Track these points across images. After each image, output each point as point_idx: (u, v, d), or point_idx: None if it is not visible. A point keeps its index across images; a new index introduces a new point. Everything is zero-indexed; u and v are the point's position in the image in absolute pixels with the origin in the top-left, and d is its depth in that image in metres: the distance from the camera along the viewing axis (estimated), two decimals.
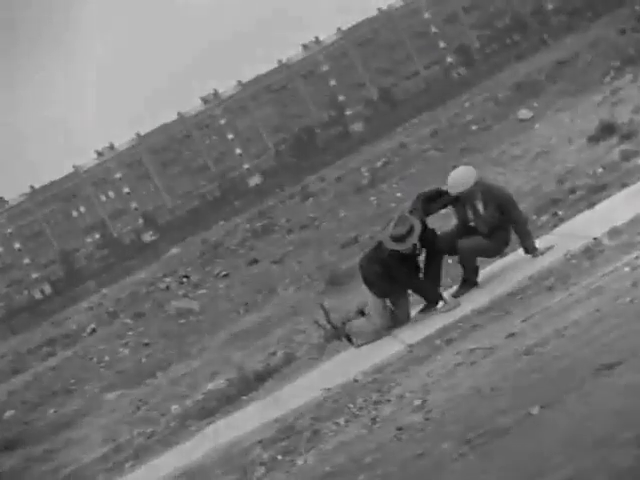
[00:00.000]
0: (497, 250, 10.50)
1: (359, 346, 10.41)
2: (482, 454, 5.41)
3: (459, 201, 10.43)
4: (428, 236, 10.28)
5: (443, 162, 27.56)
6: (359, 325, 10.62)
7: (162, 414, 13.30)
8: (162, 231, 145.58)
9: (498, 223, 10.27)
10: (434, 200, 10.48)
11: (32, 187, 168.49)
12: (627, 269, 7.88)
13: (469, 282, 10.34)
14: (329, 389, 9.15)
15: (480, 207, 10.35)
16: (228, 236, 40.79)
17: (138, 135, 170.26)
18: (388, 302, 10.44)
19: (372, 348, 10.02)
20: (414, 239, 10.08)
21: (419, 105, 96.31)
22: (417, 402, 7.38)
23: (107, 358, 23.59)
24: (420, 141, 40.56)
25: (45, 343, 37.62)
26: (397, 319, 10.34)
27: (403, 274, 10.13)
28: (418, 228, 10.08)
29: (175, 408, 13.19)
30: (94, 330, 32.44)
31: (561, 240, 10.17)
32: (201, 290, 27.31)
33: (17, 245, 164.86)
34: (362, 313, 10.90)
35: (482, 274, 10.55)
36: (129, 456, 11.48)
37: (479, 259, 10.44)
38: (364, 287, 10.58)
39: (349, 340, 10.62)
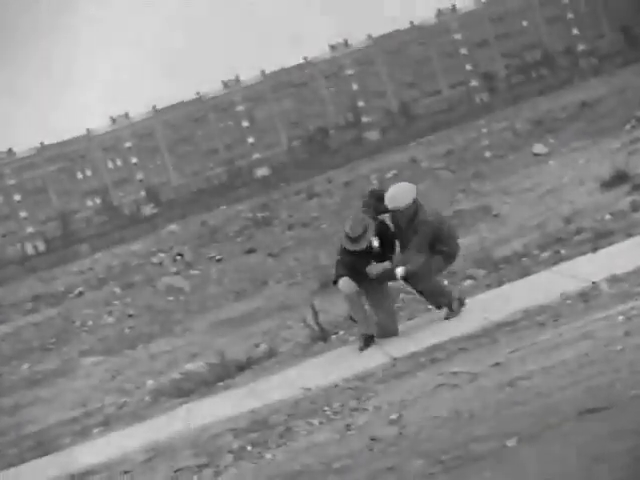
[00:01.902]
0: (447, 263, 10.51)
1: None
2: (453, 477, 5.41)
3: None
4: (383, 230, 10.41)
5: (452, 183, 27.58)
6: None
7: (137, 387, 13.30)
8: (163, 207, 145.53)
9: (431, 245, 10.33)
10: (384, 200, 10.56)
11: (42, 143, 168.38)
12: (621, 318, 7.89)
13: (449, 303, 10.34)
14: (308, 389, 9.16)
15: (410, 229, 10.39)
16: (228, 222, 40.76)
17: (154, 108, 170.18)
18: (366, 306, 10.47)
19: (356, 355, 10.01)
20: (368, 238, 10.21)
21: (437, 123, 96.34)
22: (393, 416, 7.38)
23: (90, 323, 23.57)
24: (432, 159, 40.55)
25: (30, 299, 37.60)
26: (384, 329, 10.30)
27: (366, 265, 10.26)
28: (372, 227, 10.23)
29: (150, 383, 13.18)
30: (81, 293, 32.43)
31: (559, 278, 10.16)
32: (193, 271, 27.30)
33: (17, 197, 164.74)
34: (352, 319, 10.90)
35: (477, 300, 10.54)
36: (98, 423, 11.46)
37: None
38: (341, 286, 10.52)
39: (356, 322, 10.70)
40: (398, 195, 10.40)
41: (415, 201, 10.35)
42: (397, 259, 10.30)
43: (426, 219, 10.33)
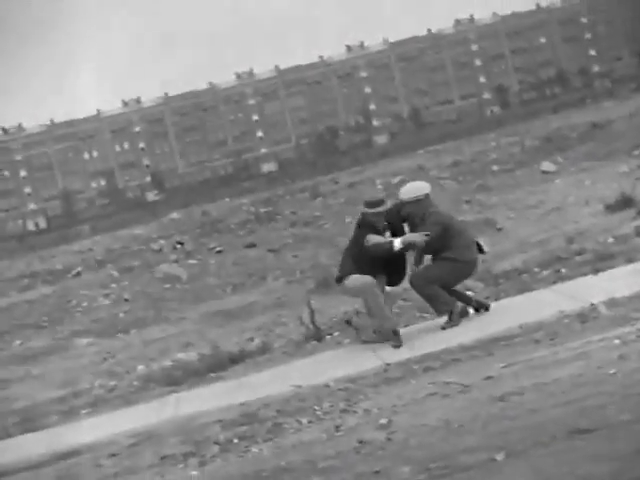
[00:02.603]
0: (456, 271, 10.52)
1: (364, 342, 10.46)
2: None
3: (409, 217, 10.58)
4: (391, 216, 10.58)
5: (457, 193, 27.57)
6: (367, 322, 10.64)
7: (127, 371, 13.30)
8: (167, 193, 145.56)
9: (438, 246, 10.38)
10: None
11: (52, 121, 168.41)
12: (617, 341, 7.90)
13: (449, 311, 10.35)
14: (299, 387, 9.17)
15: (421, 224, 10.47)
16: (231, 214, 40.70)
17: (166, 95, 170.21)
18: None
19: (349, 358, 10.02)
20: (386, 207, 10.44)
21: (446, 132, 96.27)
22: (383, 420, 7.39)
23: (85, 304, 23.56)
24: (439, 168, 40.51)
25: (27, 275, 37.55)
26: (383, 331, 10.26)
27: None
28: (389, 204, 10.51)
29: (141, 368, 13.18)
30: (79, 274, 32.38)
31: (558, 297, 10.17)
32: (192, 260, 27.27)
33: (23, 173, 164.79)
34: (348, 323, 10.92)
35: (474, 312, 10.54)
36: (86, 404, 11.46)
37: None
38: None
39: (354, 327, 10.66)
40: (412, 187, 10.69)
41: (427, 197, 10.52)
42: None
43: (437, 210, 10.52)
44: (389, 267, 10.48)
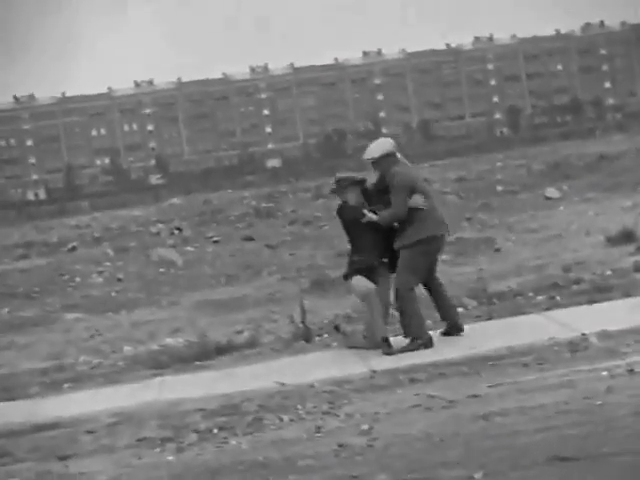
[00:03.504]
0: (430, 253, 10.35)
1: (349, 347, 10.43)
2: None
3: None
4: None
5: (460, 210, 27.56)
6: (358, 328, 10.63)
7: (113, 350, 13.29)
8: (170, 178, 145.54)
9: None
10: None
11: (63, 94, 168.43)
12: (606, 373, 7.91)
13: (416, 338, 10.08)
14: (283, 384, 9.17)
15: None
16: (231, 206, 40.75)
17: (179, 80, 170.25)
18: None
19: (336, 361, 10.01)
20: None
21: (454, 148, 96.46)
22: (364, 426, 7.40)
23: (78, 279, 23.57)
24: (444, 182, 40.54)
25: (22, 245, 37.57)
26: (374, 339, 10.20)
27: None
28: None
29: (128, 349, 13.17)
30: (74, 248, 32.40)
31: (550, 324, 10.18)
32: (189, 247, 27.30)
33: (29, 142, 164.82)
34: (337, 328, 10.91)
35: (465, 329, 10.54)
36: (69, 378, 11.45)
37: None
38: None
39: (342, 333, 10.64)
40: (373, 146, 10.47)
41: (390, 155, 10.31)
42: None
43: (397, 172, 10.23)
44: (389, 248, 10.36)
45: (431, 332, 10.20)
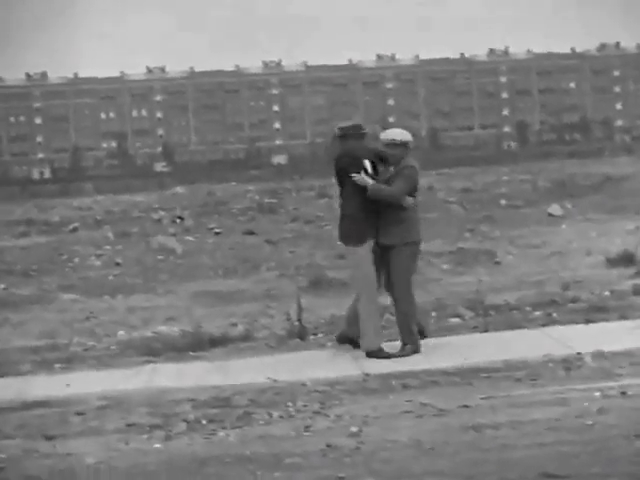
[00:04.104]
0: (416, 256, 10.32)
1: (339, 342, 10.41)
2: None
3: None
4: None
5: (462, 221, 27.55)
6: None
7: (107, 334, 13.28)
8: (175, 167, 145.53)
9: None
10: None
11: (75, 74, 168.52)
12: (598, 394, 7.91)
13: (411, 344, 10.11)
14: (275, 380, 9.17)
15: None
16: (235, 199, 40.70)
17: (191, 69, 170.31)
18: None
19: (330, 361, 10.00)
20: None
21: (460, 158, 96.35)
22: (354, 429, 7.39)
23: (77, 260, 23.53)
24: (448, 191, 40.49)
25: (23, 222, 37.51)
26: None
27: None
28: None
29: (122, 334, 13.17)
30: (75, 229, 32.35)
31: (546, 340, 10.18)
32: (189, 237, 27.26)
33: (38, 121, 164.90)
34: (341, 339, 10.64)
35: (460, 339, 10.54)
36: (61, 359, 11.45)
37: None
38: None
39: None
40: (397, 131, 10.40)
41: (408, 145, 10.28)
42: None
43: (413, 164, 10.27)
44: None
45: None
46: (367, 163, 10.14)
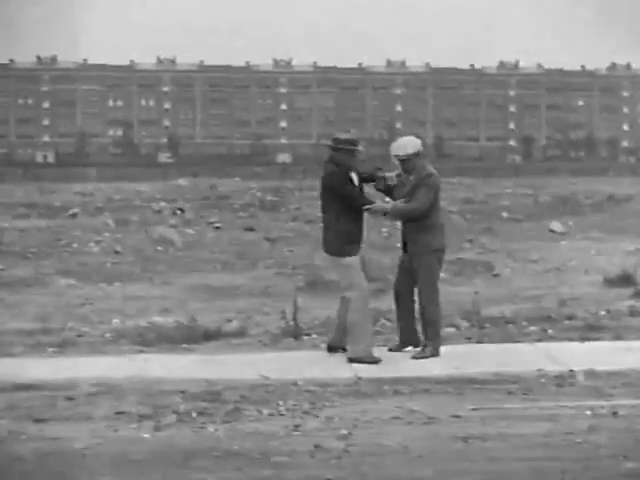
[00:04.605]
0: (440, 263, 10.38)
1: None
2: None
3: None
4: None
5: (463, 231, 27.55)
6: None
7: (102, 321, 13.27)
8: (179, 158, 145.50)
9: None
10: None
11: (85, 60, 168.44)
12: (589, 413, 7.90)
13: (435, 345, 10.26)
14: (267, 378, 9.17)
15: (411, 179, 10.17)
16: (236, 194, 40.78)
17: (201, 62, 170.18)
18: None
19: (323, 362, 9.98)
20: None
21: (464, 168, 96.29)
22: (343, 431, 7.39)
23: (75, 246, 23.56)
24: (450, 201, 40.47)
25: (24, 204, 37.54)
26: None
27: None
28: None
29: (116, 322, 13.15)
30: (75, 215, 32.39)
31: (539, 355, 10.18)
32: (189, 229, 27.29)
33: (45, 104, 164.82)
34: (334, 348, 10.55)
35: (455, 349, 10.54)
36: (54, 343, 11.44)
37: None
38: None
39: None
40: (406, 142, 10.27)
41: (421, 154, 10.20)
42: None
43: (432, 172, 10.18)
44: None
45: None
46: (354, 176, 10.11)
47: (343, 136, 10.29)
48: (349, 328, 9.98)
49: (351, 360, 9.90)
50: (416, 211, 10.05)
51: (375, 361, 9.88)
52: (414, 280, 10.31)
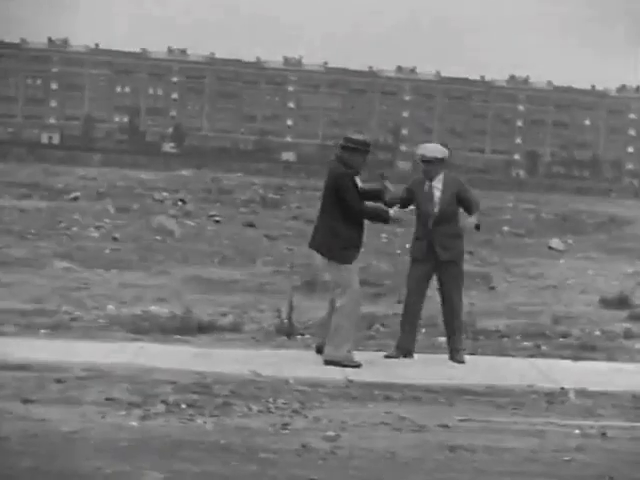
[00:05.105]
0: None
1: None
2: None
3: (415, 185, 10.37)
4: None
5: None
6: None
7: (97, 306, 13.27)
8: (183, 149, 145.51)
9: (452, 211, 10.24)
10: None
11: (97, 45, 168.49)
12: (578, 432, 7.89)
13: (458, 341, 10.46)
14: (259, 374, 9.16)
15: (439, 186, 10.25)
16: (239, 189, 40.72)
17: (212, 55, 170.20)
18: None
19: (315, 362, 9.96)
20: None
21: (468, 179, 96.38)
22: (331, 433, 7.38)
23: (75, 229, 23.55)
24: None
25: (26, 184, 37.50)
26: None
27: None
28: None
29: (111, 308, 13.15)
30: (76, 198, 32.37)
31: (531, 371, 10.18)
32: (189, 221, 27.28)
33: (54, 86, 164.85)
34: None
35: (447, 359, 10.54)
36: (47, 325, 11.44)
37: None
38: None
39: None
40: (435, 147, 10.45)
41: (444, 161, 10.32)
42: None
43: (455, 176, 10.44)
44: None
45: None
46: (358, 180, 10.06)
47: (355, 136, 10.13)
48: (333, 330, 9.89)
49: (327, 362, 9.84)
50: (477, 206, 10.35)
51: (357, 365, 9.82)
52: (426, 287, 10.38)
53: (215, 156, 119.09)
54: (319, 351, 10.22)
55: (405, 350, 10.42)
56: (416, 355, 10.52)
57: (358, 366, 9.78)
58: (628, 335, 12.99)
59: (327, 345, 9.94)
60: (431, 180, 10.27)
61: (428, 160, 10.25)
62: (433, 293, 10.96)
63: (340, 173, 9.91)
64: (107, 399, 8.07)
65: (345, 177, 9.87)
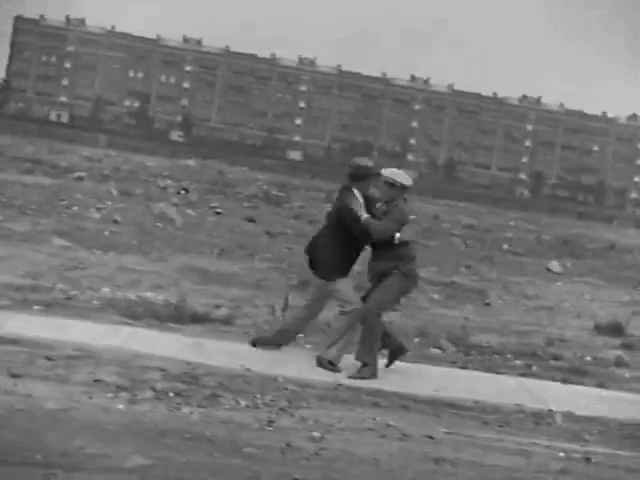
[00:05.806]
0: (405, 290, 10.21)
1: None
2: None
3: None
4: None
5: (461, 255, 27.55)
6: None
7: (92, 287, 13.23)
8: (191, 139, 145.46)
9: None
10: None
11: (113, 27, 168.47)
12: (562, 455, 7.87)
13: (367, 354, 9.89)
14: (249, 370, 9.14)
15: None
16: (243, 184, 40.78)
17: (227, 48, 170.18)
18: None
19: (306, 362, 9.95)
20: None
21: (472, 195, 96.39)
22: (316, 434, 7.37)
23: (76, 209, 23.54)
24: (454, 224, 40.57)
25: (31, 160, 37.54)
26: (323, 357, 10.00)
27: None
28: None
29: (106, 291, 13.12)
30: (80, 178, 32.39)
31: (520, 390, 10.16)
32: (191, 211, 27.26)
33: (67, 65, 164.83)
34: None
35: (437, 371, 10.52)
36: (41, 302, 11.42)
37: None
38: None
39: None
40: (396, 171, 10.14)
41: (403, 188, 10.05)
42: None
43: (403, 207, 10.05)
44: None
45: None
46: (361, 202, 10.01)
47: (363, 163, 10.17)
48: (331, 329, 9.97)
49: (319, 360, 9.85)
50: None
51: (337, 370, 9.77)
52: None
53: (222, 148, 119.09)
54: (253, 344, 10.25)
55: (397, 352, 10.30)
56: (407, 364, 10.49)
57: (338, 371, 9.75)
58: (619, 363, 12.97)
59: (321, 345, 10.05)
60: (390, 203, 10.12)
61: (391, 185, 10.07)
62: (427, 304, 10.93)
63: (344, 206, 9.96)
64: (95, 380, 8.06)
65: (350, 210, 9.90)
